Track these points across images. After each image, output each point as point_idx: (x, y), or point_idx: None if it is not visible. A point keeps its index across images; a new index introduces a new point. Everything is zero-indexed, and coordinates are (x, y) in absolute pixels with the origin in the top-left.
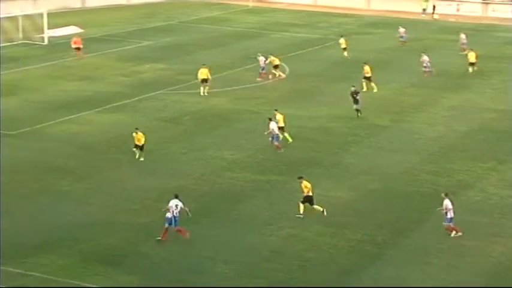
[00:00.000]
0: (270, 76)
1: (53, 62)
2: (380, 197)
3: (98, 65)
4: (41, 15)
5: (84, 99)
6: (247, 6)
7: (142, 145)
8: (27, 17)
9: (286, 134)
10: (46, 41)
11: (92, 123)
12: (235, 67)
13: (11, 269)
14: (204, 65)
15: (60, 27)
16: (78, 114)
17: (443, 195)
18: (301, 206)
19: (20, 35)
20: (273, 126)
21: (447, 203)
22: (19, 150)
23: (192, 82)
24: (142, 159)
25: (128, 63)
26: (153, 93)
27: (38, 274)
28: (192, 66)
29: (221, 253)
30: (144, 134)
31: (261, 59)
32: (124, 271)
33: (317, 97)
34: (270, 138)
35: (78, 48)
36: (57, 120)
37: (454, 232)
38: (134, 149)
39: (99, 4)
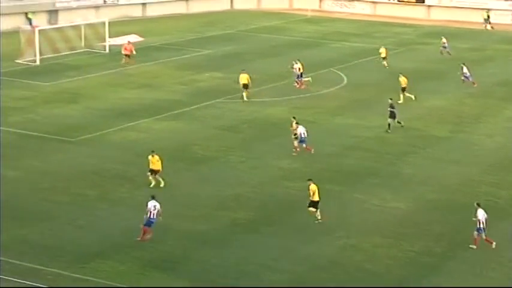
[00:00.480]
0: (302, 85)
1: (114, 70)
2: (438, 208)
3: (158, 73)
4: (103, 24)
5: (143, 107)
6: (306, 15)
7: (158, 170)
8: (89, 26)
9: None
10: (107, 50)
11: (150, 131)
12: (293, 76)
13: (70, 274)
14: (243, 70)
15: (121, 35)
16: (137, 122)
17: (475, 204)
18: (312, 210)
19: (83, 44)
20: (300, 130)
21: (480, 213)
22: (79, 156)
23: (250, 91)
24: (162, 185)
25: (187, 71)
26: (211, 102)
27: (96, 279)
28: (250, 75)
29: (277, 261)
30: (161, 158)
31: (296, 66)
32: (180, 277)
33: (374, 107)
34: (296, 143)
35: (128, 55)
36: (117, 128)
37: (475, 245)
38: (149, 175)
39: (160, 13)
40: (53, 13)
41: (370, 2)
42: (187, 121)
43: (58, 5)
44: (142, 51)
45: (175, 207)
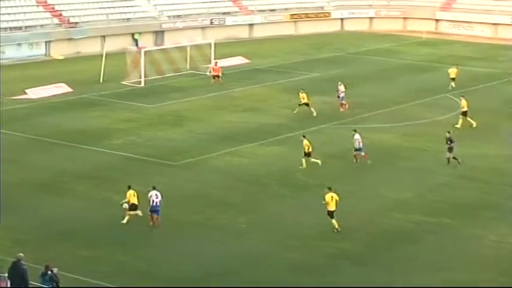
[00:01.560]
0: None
1: (219, 93)
2: None
3: (263, 96)
4: (209, 45)
5: (247, 131)
6: (421, 38)
7: (136, 205)
8: (195, 47)
9: (313, 159)
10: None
11: (254, 156)
12: (405, 102)
13: None
14: (302, 89)
15: (226, 57)
16: (240, 147)
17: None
18: (333, 221)
19: (188, 65)
20: (357, 137)
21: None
22: (181, 181)
23: (359, 116)
24: (141, 214)
25: (294, 95)
26: (318, 127)
27: None
28: (359, 100)
29: None
30: (136, 192)
31: (341, 88)
32: None
33: (490, 135)
34: (355, 152)
35: (217, 76)
36: (220, 152)
37: None
38: (127, 209)
39: (267, 34)
40: (159, 34)
41: (490, 24)
42: (292, 147)
43: (164, 26)
44: (248, 73)
45: (277, 235)
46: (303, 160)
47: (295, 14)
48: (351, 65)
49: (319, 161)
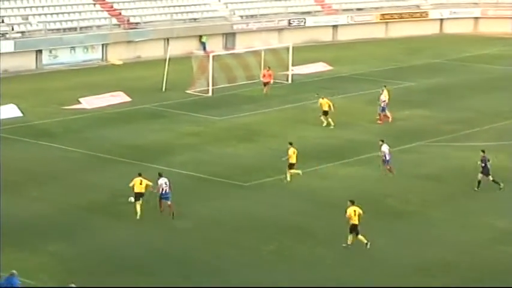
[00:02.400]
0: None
1: (297, 104)
2: None
3: (347, 109)
4: (286, 49)
5: (328, 148)
6: None
7: (142, 194)
8: (270, 51)
9: (293, 171)
10: (290, 80)
11: (335, 177)
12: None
13: None
14: (319, 95)
15: (306, 63)
16: (320, 166)
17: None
18: (349, 236)
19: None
20: (384, 149)
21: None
22: (252, 204)
23: (461, 133)
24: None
25: None
26: (411, 145)
27: None
28: (461, 114)
29: None
30: (143, 181)
31: (383, 97)
32: None
33: None
34: (382, 164)
35: (268, 83)
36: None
37: None
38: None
39: (353, 37)
40: (229, 36)
41: None
42: (379, 167)
43: (236, 27)
44: (330, 82)
45: (370, 268)
46: (288, 173)
47: (387, 14)
48: (452, 74)
49: (299, 171)
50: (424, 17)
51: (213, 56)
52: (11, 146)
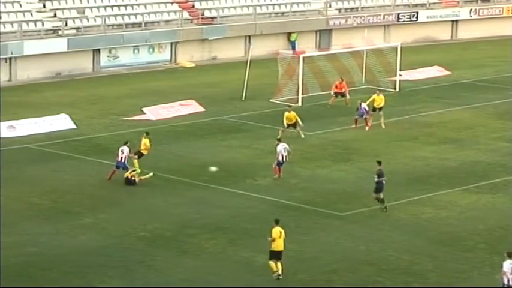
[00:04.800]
0: None
1: (406, 117)
2: None
3: (469, 123)
4: (394, 50)
5: (444, 171)
6: None
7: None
8: (374, 52)
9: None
10: (398, 87)
11: (454, 207)
12: None
13: None
14: (290, 106)
15: (418, 67)
16: (436, 193)
17: (505, 254)
18: (271, 263)
19: (363, 78)
20: (280, 148)
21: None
22: (349, 238)
23: None
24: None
25: None
26: None
27: None
28: None
29: None
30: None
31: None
32: None
33: None
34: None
35: (341, 94)
36: (405, 200)
37: None
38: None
39: (477, 35)
40: (324, 34)
41: None
42: (510, 196)
43: (332, 23)
44: (448, 90)
45: None
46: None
47: None
48: None
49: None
50: None
51: (304, 58)
52: (61, 163)
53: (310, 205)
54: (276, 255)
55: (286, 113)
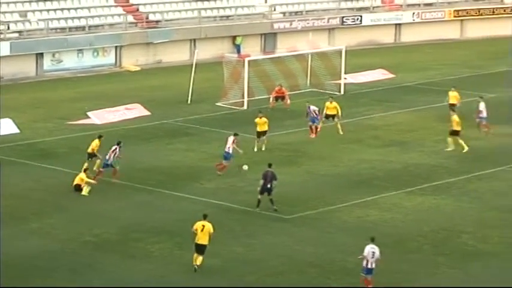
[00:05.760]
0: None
1: (350, 120)
2: None
3: (412, 125)
4: (339, 53)
5: (389, 173)
6: None
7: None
8: (319, 55)
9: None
10: (342, 90)
11: (398, 209)
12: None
13: None
14: (261, 115)
15: (362, 70)
16: (380, 195)
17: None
18: (195, 255)
19: (308, 81)
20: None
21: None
22: (295, 241)
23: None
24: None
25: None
26: (492, 170)
27: None
28: None
29: None
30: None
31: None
32: None
33: None
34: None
35: (282, 98)
36: (350, 203)
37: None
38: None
39: (420, 38)
40: (269, 37)
41: None
42: (454, 197)
43: (277, 27)
44: (392, 93)
45: None
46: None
47: (462, 10)
48: None
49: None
50: (509, 14)
51: (249, 61)
52: (5, 168)
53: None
54: (197, 248)
55: (257, 119)
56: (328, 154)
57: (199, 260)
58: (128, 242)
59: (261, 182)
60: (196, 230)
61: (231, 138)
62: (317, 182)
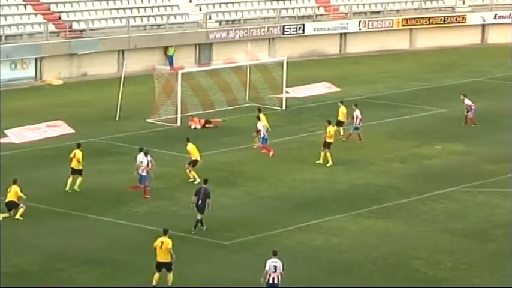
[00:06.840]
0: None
1: (292, 137)
2: None
3: (358, 143)
4: (280, 65)
5: (335, 194)
6: None
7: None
8: (258, 68)
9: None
10: (284, 105)
11: (346, 233)
12: None
13: None
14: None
15: (305, 84)
16: (326, 218)
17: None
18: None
19: (247, 95)
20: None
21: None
22: (234, 269)
23: (510, 175)
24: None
25: (406, 141)
26: (444, 190)
27: None
28: (509, 150)
29: None
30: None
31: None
32: None
33: None
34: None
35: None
36: (293, 226)
37: None
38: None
39: (367, 49)
40: (204, 48)
41: None
42: (404, 220)
43: (212, 37)
44: (336, 108)
45: None
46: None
47: (411, 19)
48: (496, 97)
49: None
50: (461, 23)
51: (183, 74)
52: None
53: (191, 234)
54: (158, 267)
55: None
56: (269, 174)
57: (169, 277)
58: (50, 272)
59: (194, 198)
60: (155, 247)
61: (145, 159)
62: (257, 205)
